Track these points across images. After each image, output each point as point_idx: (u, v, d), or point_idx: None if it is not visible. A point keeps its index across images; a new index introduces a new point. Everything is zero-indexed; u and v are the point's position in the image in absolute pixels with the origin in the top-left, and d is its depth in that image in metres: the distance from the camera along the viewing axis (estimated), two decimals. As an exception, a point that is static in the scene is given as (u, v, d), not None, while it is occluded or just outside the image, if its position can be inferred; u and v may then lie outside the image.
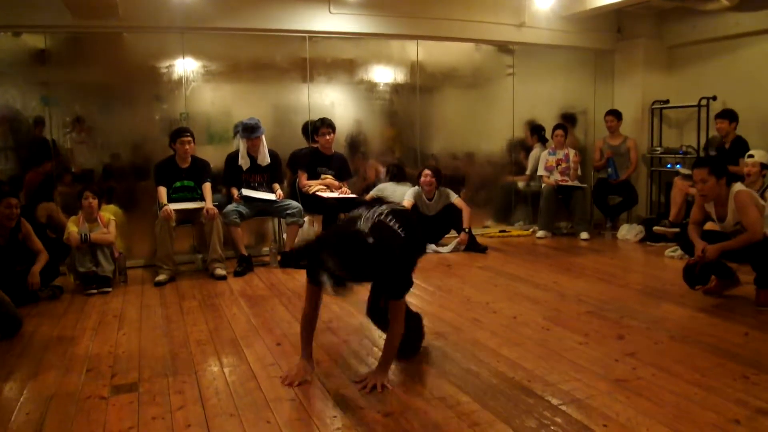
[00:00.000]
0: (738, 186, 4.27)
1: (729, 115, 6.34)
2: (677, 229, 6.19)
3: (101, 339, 3.86)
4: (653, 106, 7.76)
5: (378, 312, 3.28)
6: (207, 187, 5.62)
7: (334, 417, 2.68)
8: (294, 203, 5.89)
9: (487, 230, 7.60)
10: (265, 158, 5.91)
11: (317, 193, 6.10)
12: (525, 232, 7.52)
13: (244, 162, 5.87)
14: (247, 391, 2.98)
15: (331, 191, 6.16)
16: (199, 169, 5.72)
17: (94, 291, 4.99)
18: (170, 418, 2.70)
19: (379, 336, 3.75)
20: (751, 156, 5.48)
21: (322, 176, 6.28)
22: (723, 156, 6.18)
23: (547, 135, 7.64)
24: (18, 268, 4.71)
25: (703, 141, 7.05)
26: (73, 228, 5.07)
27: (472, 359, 3.33)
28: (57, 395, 2.99)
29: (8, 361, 3.50)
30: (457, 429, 2.53)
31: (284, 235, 6.05)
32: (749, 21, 6.71)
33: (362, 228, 2.80)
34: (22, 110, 5.77)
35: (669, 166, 7.46)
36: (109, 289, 5.07)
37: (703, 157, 6.27)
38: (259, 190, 5.91)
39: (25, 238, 4.83)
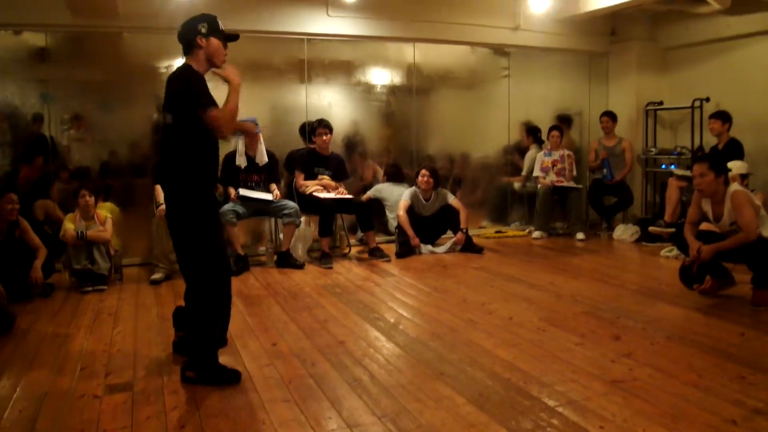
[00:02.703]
0: (735, 186, 4.29)
1: (722, 116, 6.35)
2: (672, 229, 6.20)
3: (96, 337, 3.84)
4: (647, 108, 7.78)
5: None
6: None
7: (330, 418, 2.67)
8: (291, 203, 5.87)
9: (483, 231, 7.60)
10: (263, 157, 5.89)
11: (314, 193, 6.08)
12: (521, 233, 7.52)
13: (241, 161, 5.85)
14: (242, 391, 2.97)
15: (328, 192, 6.15)
16: None
17: (90, 288, 4.98)
18: (164, 418, 2.69)
19: (375, 337, 3.75)
20: (729, 170, 5.49)
21: (319, 177, 6.26)
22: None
23: (543, 136, 7.66)
24: (14, 263, 4.72)
25: (697, 142, 7.07)
26: (69, 225, 5.06)
27: (467, 360, 3.33)
28: (50, 393, 2.98)
29: (2, 357, 3.48)
30: (453, 431, 2.53)
31: (281, 236, 6.03)
32: (740, 24, 6.75)
33: None
34: (21, 107, 5.78)
35: (663, 166, 7.48)
36: (105, 287, 5.05)
37: (705, 153, 6.29)
38: (256, 190, 5.89)
39: (22, 234, 4.87)
